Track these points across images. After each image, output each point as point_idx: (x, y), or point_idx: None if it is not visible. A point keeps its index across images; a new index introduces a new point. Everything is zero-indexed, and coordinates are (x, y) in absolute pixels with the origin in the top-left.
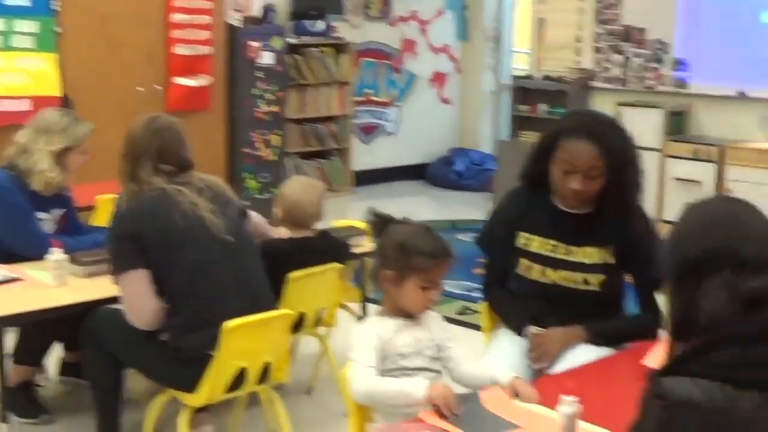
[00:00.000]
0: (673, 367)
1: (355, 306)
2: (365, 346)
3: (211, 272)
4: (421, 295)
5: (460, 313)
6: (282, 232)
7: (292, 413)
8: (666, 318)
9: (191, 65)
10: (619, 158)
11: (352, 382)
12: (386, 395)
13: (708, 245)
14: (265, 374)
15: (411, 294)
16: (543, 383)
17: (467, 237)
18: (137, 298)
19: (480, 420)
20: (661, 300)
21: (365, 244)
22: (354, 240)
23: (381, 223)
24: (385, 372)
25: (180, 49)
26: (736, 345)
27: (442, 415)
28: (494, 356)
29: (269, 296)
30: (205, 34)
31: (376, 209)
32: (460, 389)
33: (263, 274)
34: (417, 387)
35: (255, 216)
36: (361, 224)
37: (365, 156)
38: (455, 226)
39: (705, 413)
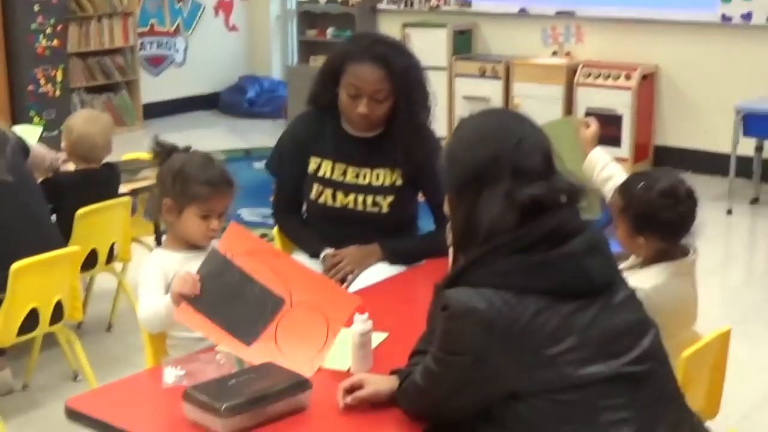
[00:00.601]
0: (455, 279)
1: (150, 239)
2: (150, 280)
3: None
4: (201, 225)
5: None
6: (69, 168)
7: (93, 350)
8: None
9: None
10: (404, 80)
11: (138, 316)
12: (160, 311)
13: (483, 156)
14: (58, 314)
15: (191, 223)
16: None
17: (262, 165)
18: None
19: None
20: None
21: (153, 176)
22: (143, 173)
23: (164, 153)
24: None
25: None
26: (514, 252)
27: (195, 309)
28: None
29: (56, 234)
30: None
31: (159, 139)
32: None
33: (47, 211)
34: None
35: (38, 147)
36: (149, 156)
37: (154, 88)
38: (250, 154)
39: (487, 320)
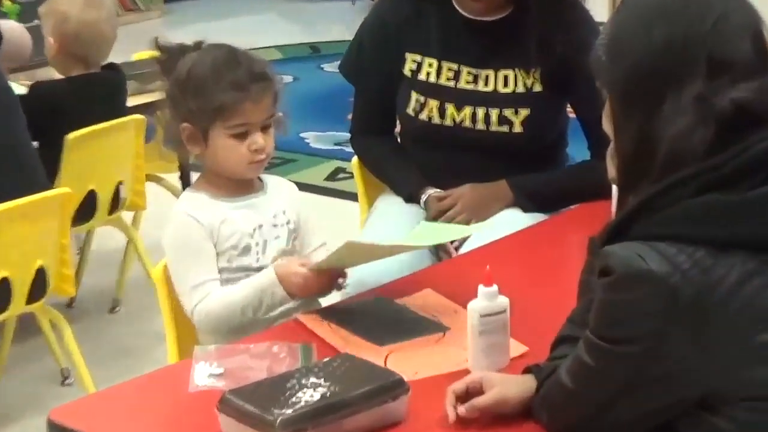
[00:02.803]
0: (620, 229)
1: (173, 177)
2: (191, 249)
3: None
4: (237, 147)
5: (331, 178)
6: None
7: (89, 341)
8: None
9: None
10: None
11: (195, 315)
12: (244, 304)
13: (664, 43)
14: (39, 286)
15: (221, 148)
16: (451, 268)
17: (335, 67)
18: None
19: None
20: None
21: None
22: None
23: (172, 58)
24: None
25: None
26: (708, 189)
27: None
28: (373, 238)
29: (37, 167)
30: None
31: (160, 39)
32: None
33: (27, 135)
34: (267, 273)
35: (14, 26)
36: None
37: None
38: (318, 51)
39: (670, 289)
